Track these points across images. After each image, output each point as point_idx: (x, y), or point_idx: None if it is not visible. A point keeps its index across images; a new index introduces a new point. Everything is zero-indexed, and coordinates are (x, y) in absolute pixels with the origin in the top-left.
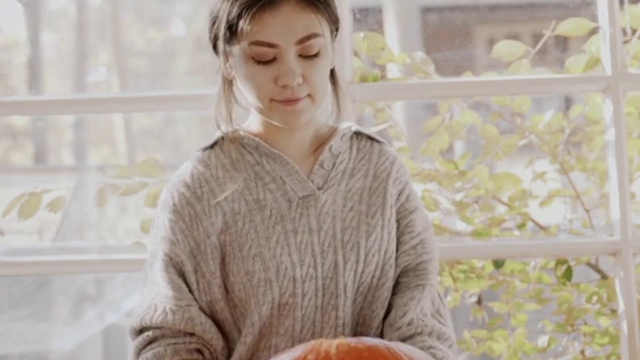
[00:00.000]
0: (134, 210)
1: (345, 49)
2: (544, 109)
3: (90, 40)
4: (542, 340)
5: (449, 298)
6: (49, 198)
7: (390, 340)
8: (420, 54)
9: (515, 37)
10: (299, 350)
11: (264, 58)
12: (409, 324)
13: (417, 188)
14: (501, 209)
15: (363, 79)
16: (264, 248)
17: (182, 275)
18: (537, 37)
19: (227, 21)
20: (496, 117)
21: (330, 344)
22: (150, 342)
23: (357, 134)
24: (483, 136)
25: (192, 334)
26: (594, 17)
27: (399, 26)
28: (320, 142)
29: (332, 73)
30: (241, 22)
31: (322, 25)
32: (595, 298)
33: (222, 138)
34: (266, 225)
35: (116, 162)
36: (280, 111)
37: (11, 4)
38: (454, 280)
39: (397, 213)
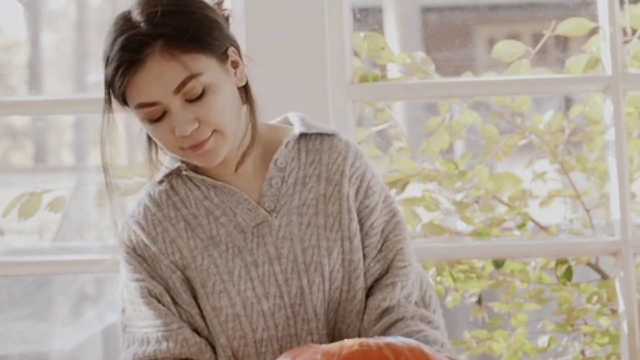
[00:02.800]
0: None
1: (345, 49)
2: (544, 109)
3: (90, 40)
4: (542, 340)
5: (449, 298)
6: (49, 198)
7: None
8: (420, 54)
9: (515, 37)
10: (318, 353)
11: (154, 117)
12: (385, 314)
13: (417, 188)
14: (501, 209)
15: (363, 79)
16: (227, 283)
17: (165, 306)
18: (537, 37)
19: (109, 87)
20: (496, 117)
21: (352, 345)
22: None
23: (304, 135)
24: (483, 136)
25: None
26: (594, 17)
27: (399, 26)
28: (270, 155)
29: (247, 90)
30: (117, 87)
31: (196, 64)
32: (595, 298)
33: (160, 181)
34: (225, 260)
35: (116, 162)
36: (193, 156)
37: (11, 4)
38: (454, 280)
39: (358, 212)
